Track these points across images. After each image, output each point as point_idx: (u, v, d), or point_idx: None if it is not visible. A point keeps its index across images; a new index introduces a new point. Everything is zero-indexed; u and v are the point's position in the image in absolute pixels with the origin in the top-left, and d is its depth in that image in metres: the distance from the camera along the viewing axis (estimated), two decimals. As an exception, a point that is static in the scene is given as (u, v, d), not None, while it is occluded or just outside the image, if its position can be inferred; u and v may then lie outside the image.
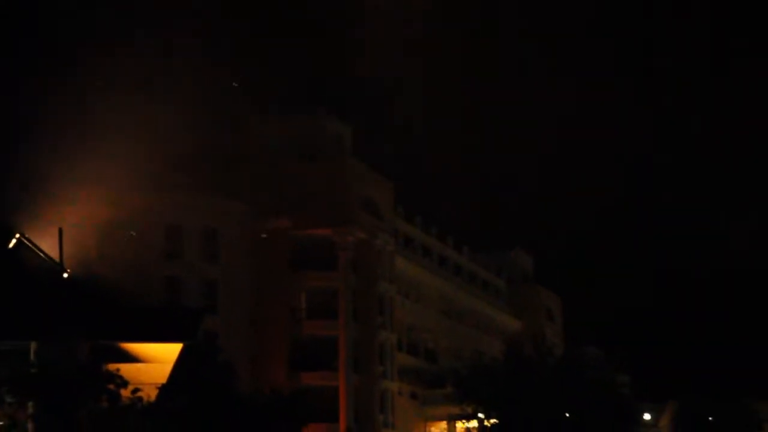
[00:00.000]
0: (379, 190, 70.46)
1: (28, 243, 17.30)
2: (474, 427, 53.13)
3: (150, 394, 15.33)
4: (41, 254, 17.48)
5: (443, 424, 71.24)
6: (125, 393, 14.62)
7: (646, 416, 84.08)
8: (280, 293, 64.63)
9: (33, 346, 15.88)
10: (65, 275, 17.37)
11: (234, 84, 64.25)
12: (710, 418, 59.65)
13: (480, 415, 50.30)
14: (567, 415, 48.70)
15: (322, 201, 65.14)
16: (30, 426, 15.72)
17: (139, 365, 15.45)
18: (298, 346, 64.51)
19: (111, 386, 14.32)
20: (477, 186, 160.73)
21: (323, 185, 65.75)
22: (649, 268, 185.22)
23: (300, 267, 65.60)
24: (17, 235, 17.18)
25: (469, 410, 50.65)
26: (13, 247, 17.10)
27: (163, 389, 16.56)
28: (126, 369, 14.96)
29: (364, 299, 66.56)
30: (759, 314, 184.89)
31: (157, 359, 15.73)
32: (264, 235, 62.79)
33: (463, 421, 55.49)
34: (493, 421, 49.37)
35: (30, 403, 15.54)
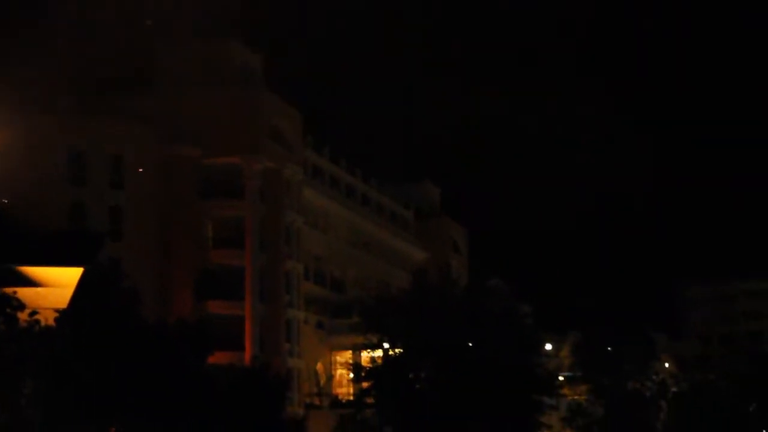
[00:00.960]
0: (287, 120, 70.12)
1: None
2: (379, 357, 53.68)
3: (48, 318, 15.12)
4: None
5: (348, 354, 71.85)
6: (22, 317, 14.41)
7: (548, 346, 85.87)
8: (187, 221, 64.29)
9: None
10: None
11: (147, 22, 63.33)
12: (609, 348, 61.00)
13: (385, 344, 50.82)
14: (470, 344, 49.45)
15: (230, 129, 64.66)
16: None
17: (37, 289, 15.20)
18: (205, 274, 64.37)
19: (7, 309, 14.11)
20: (385, 118, 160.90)
21: (231, 113, 65.24)
22: (555, 199, 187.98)
23: (207, 195, 65.27)
24: None
25: (375, 340, 51.11)
26: None
27: (63, 314, 16.39)
28: (24, 293, 14.72)
29: (272, 229, 66.50)
30: (659, 246, 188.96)
31: (56, 283, 15.49)
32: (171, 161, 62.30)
33: (368, 350, 55.93)
34: (398, 350, 49.89)
35: None
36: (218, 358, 53.94)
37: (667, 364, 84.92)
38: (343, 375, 72.24)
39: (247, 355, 60.09)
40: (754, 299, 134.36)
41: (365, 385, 51.27)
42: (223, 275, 64.12)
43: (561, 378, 66.53)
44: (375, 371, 50.87)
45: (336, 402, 66.79)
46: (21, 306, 14.30)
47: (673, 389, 63.68)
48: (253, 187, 65.74)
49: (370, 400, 50.00)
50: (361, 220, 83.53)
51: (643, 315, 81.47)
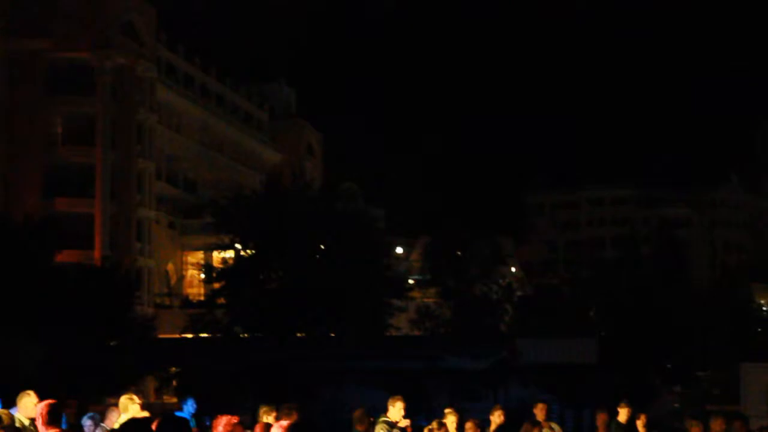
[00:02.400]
0: (141, 15, 68.53)
1: None
2: (230, 258, 53.74)
3: None
4: None
5: (200, 254, 71.67)
6: None
7: (398, 250, 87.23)
8: (35, 117, 62.75)
9: None
10: None
11: None
12: (458, 253, 62.29)
13: (237, 245, 50.87)
14: (322, 247, 49.94)
15: (80, 23, 62.95)
16: None
17: None
18: (54, 171, 63.06)
19: None
20: (241, 17, 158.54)
21: (81, 6, 63.47)
22: (408, 105, 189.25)
23: (56, 91, 63.71)
24: None
25: (227, 240, 51.10)
26: None
27: None
28: None
29: (123, 127, 65.42)
30: (507, 153, 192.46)
31: None
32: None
33: (220, 251, 55.92)
34: (249, 251, 50.00)
35: None
36: (67, 256, 53.25)
37: (513, 268, 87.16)
38: (194, 275, 72.07)
39: (97, 254, 59.46)
40: (597, 207, 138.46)
41: (216, 285, 51.36)
42: (72, 173, 62.92)
43: (411, 281, 67.82)
44: (226, 272, 50.95)
45: (186, 302, 66.71)
46: None
47: (519, 293, 65.58)
48: (103, 83, 64.39)
49: (220, 301, 50.15)
50: (216, 120, 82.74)
51: (490, 220, 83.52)
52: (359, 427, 14.45)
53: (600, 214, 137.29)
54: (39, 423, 9.77)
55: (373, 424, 14.66)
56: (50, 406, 9.85)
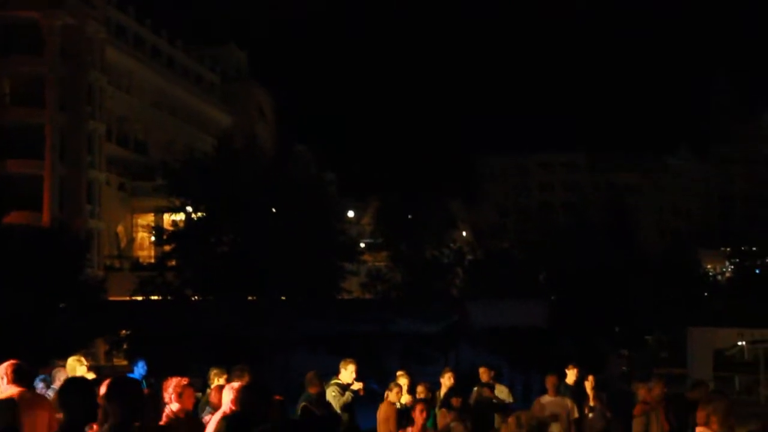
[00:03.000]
0: (91, -26, 67.61)
1: None
2: (181, 220, 53.44)
3: None
4: None
5: (150, 216, 71.22)
6: None
7: (350, 213, 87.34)
8: (-18, 77, 61.94)
9: None
10: None
11: None
12: (409, 217, 62.45)
13: (188, 208, 50.61)
14: (274, 210, 49.80)
15: (29, -19, 62.06)
16: None
17: None
18: (2, 132, 62.26)
19: None
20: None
21: (31, -35, 62.55)
22: (360, 70, 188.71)
23: (5, 51, 62.87)
24: None
25: (177, 203, 50.77)
26: None
27: None
28: None
29: (73, 87, 64.61)
30: (459, 117, 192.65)
31: None
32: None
33: (171, 213, 55.55)
34: (201, 214, 49.77)
35: None
36: (16, 217, 52.75)
37: (464, 233, 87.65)
38: (145, 238, 71.66)
39: (46, 216, 58.91)
40: (547, 171, 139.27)
41: (167, 248, 51.11)
42: (22, 134, 62.14)
43: (362, 245, 67.95)
44: (177, 234, 50.69)
45: (137, 265, 66.30)
46: None
47: (469, 257, 65.82)
48: (53, 43, 63.53)
49: (171, 263, 49.94)
50: (166, 82, 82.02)
51: (442, 184, 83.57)
52: (311, 390, 14.50)
53: (551, 180, 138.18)
54: (4, 383, 9.66)
55: (324, 387, 14.72)
56: (15, 365, 9.76)
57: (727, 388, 45.76)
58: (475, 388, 17.31)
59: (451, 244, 63.98)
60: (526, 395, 32.46)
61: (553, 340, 47.67)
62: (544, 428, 6.34)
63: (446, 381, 16.78)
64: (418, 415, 13.62)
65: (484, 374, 17.73)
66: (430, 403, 15.30)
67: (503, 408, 16.88)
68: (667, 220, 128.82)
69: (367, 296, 61.55)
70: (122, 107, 74.72)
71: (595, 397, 17.27)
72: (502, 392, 17.55)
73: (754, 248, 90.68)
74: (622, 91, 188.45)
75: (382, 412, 15.62)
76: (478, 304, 51.30)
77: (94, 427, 7.22)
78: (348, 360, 15.67)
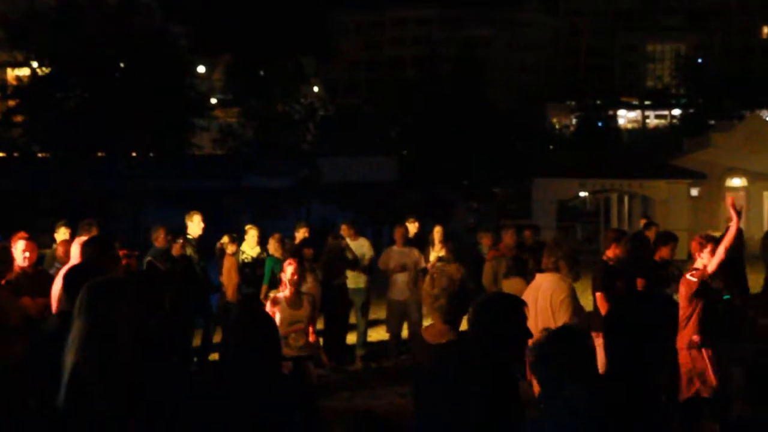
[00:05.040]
0: None
1: None
2: (26, 75, 51.81)
3: None
4: None
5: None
6: None
7: (200, 69, 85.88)
8: None
9: None
10: None
11: None
12: (261, 72, 61.80)
13: (33, 63, 49.09)
14: (122, 65, 48.74)
15: None
16: None
17: None
18: None
19: None
20: None
21: None
22: None
23: None
24: None
25: (21, 58, 49.21)
26: None
27: None
28: None
29: None
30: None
31: None
32: None
33: (14, 68, 53.81)
34: (46, 69, 48.36)
35: None
36: None
37: (316, 88, 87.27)
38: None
39: None
40: (400, 27, 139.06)
41: (11, 103, 49.67)
42: None
43: (213, 100, 67.15)
44: (22, 90, 49.25)
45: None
46: None
47: (321, 113, 65.79)
48: None
49: (17, 119, 48.65)
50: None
51: (294, 39, 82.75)
52: (157, 244, 14.56)
53: (403, 35, 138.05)
54: None
55: (172, 242, 14.78)
56: None
57: (570, 237, 47.55)
58: (329, 239, 17.58)
59: (303, 100, 63.69)
60: (376, 246, 33.06)
61: (403, 193, 48.43)
62: (458, 283, 6.58)
63: (300, 234, 16.94)
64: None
65: (345, 231, 17.99)
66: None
67: (353, 261, 17.24)
68: (515, 74, 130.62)
69: (219, 152, 61.22)
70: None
71: (443, 247, 17.74)
72: (362, 246, 17.87)
73: (598, 102, 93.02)
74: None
75: (226, 265, 15.93)
76: (329, 159, 51.58)
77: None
78: (192, 212, 15.72)
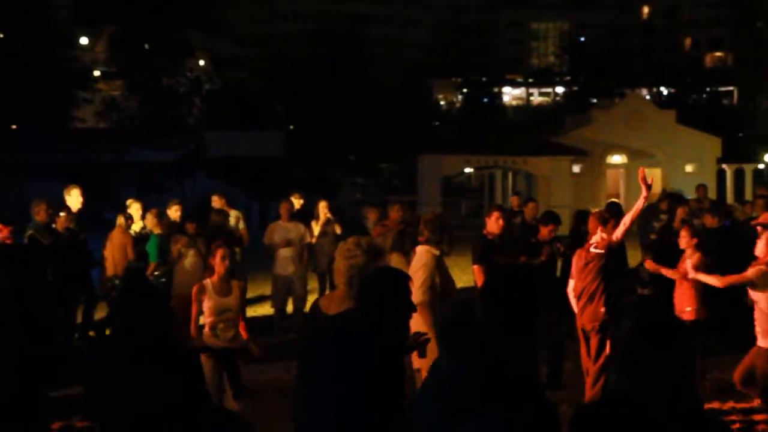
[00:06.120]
0: None
1: None
2: None
3: None
4: None
5: None
6: None
7: (83, 40, 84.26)
8: None
9: None
10: None
11: None
12: (146, 45, 60.86)
13: None
14: (2, 36, 47.67)
15: None
16: None
17: None
18: None
19: None
20: None
21: None
22: None
23: None
24: None
25: None
26: None
27: None
28: None
29: None
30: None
31: None
32: None
33: None
34: None
35: None
36: None
37: (201, 62, 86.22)
38: None
39: None
40: (289, 0, 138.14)
41: None
42: None
43: (96, 73, 65.95)
44: None
45: None
46: None
47: (207, 86, 65.13)
48: None
49: None
50: None
51: (179, 12, 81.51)
52: (38, 218, 14.36)
53: (294, 8, 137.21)
54: None
55: (54, 215, 14.60)
56: None
57: (455, 213, 48.11)
58: (212, 215, 17.53)
59: (188, 73, 62.95)
60: (262, 222, 33.03)
61: (289, 169, 48.38)
62: (380, 255, 6.67)
63: (173, 213, 16.67)
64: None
65: (216, 201, 17.98)
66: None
67: (231, 234, 17.25)
68: (402, 50, 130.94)
69: (102, 125, 60.21)
70: None
71: (329, 222, 17.86)
72: (234, 217, 17.89)
73: (483, 79, 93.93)
74: None
75: (117, 238, 15.79)
76: (215, 133, 51.22)
77: None
78: (70, 186, 15.50)
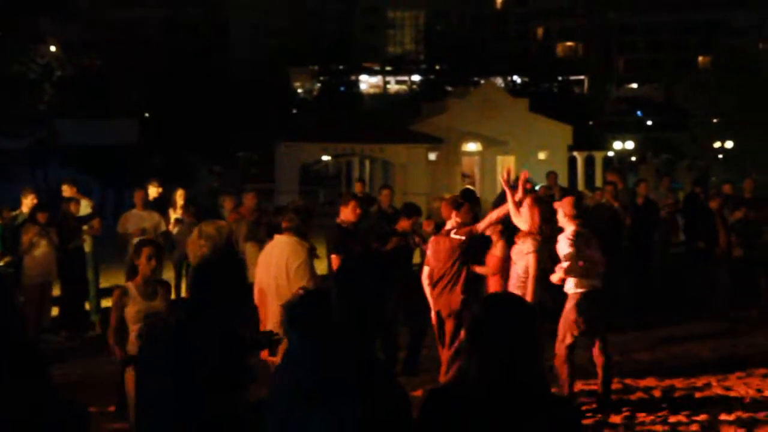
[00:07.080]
0: None
1: None
2: None
3: None
4: None
5: None
6: None
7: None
8: None
9: None
10: None
11: None
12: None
13: None
14: None
15: None
16: None
17: None
18: None
19: None
20: None
21: None
22: None
23: None
24: None
25: None
26: None
27: None
28: None
29: None
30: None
31: None
32: None
33: None
34: None
35: None
36: None
37: (53, 48, 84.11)
38: None
39: None
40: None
41: None
42: None
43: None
44: None
45: None
46: None
47: (59, 73, 63.69)
48: None
49: None
50: None
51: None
52: None
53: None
54: None
55: None
56: None
57: (312, 201, 48.16)
58: (63, 204, 17.21)
59: (39, 59, 61.37)
60: (117, 210, 32.50)
61: (145, 157, 47.70)
62: (223, 235, 6.63)
63: (28, 202, 16.31)
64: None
65: (67, 190, 17.64)
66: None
67: (85, 219, 16.98)
68: (261, 37, 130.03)
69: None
70: None
71: (185, 211, 17.70)
72: (86, 206, 17.58)
73: (340, 67, 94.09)
74: None
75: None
76: (67, 121, 50.12)
77: None
78: None
